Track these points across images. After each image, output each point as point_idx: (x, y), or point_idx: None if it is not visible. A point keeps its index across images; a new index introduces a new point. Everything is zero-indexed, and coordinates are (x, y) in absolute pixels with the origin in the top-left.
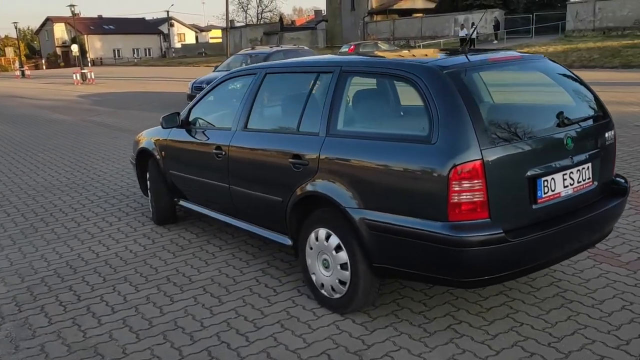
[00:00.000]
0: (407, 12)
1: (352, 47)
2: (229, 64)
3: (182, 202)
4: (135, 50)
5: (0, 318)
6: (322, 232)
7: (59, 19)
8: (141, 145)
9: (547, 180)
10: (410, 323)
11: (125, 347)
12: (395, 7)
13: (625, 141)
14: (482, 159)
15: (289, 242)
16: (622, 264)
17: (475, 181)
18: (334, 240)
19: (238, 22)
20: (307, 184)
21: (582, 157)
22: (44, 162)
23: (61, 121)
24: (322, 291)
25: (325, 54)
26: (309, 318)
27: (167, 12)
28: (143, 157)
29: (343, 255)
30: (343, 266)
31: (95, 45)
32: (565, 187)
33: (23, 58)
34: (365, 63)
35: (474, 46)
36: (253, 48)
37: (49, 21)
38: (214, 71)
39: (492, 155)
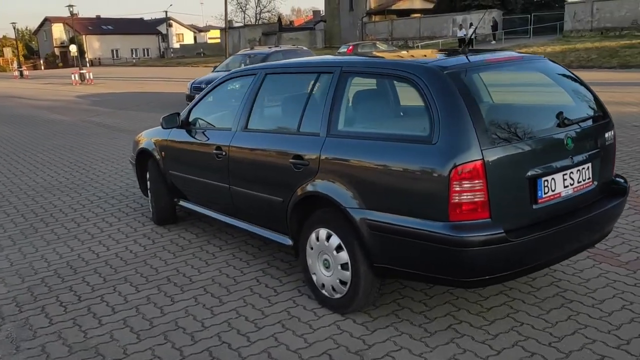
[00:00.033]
0: (405, 13)
1: (350, 47)
2: (227, 65)
3: (182, 203)
4: (134, 50)
5: (0, 319)
6: (322, 232)
7: (57, 19)
8: (141, 146)
9: (547, 181)
10: (411, 323)
11: (126, 347)
12: (393, 7)
13: (624, 141)
14: (483, 159)
15: (289, 242)
16: (621, 264)
17: (476, 181)
18: (335, 240)
19: (236, 22)
20: (307, 184)
21: (582, 157)
22: (43, 163)
23: (60, 121)
24: (323, 291)
25: (324, 55)
26: (309, 318)
27: (166, 12)
28: (143, 158)
29: (344, 256)
30: (344, 266)
31: (94, 45)
32: (565, 187)
33: (21, 58)
34: (365, 63)
35: (473, 46)
36: (252, 48)
37: (47, 21)
38: (213, 71)
39: (492, 155)
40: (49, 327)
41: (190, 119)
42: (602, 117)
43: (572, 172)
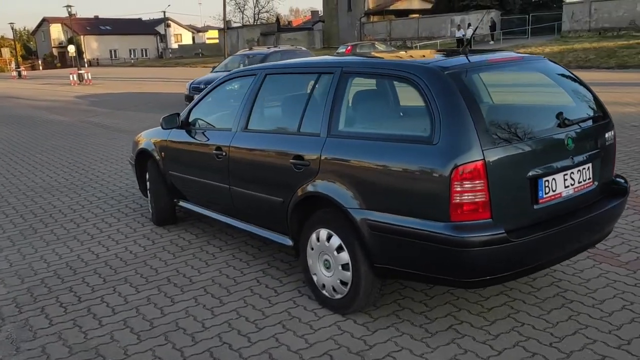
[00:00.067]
0: (403, 13)
1: (349, 47)
2: (226, 65)
3: (181, 203)
4: (132, 50)
5: (0, 319)
6: (323, 232)
7: (56, 20)
8: (140, 146)
9: (548, 181)
10: (412, 323)
11: (126, 348)
12: (391, 7)
13: (623, 141)
14: (484, 159)
15: (289, 242)
16: (621, 264)
17: (477, 181)
18: (336, 240)
19: (235, 22)
20: (308, 184)
21: (583, 157)
22: (42, 163)
23: (58, 122)
24: (324, 292)
25: (322, 55)
26: (310, 319)
27: (164, 12)
28: (142, 158)
29: (344, 256)
30: (344, 267)
31: (92, 45)
32: (566, 187)
33: (19, 59)
34: (366, 64)
35: (471, 47)
36: (250, 49)
37: (45, 22)
38: (211, 72)
39: (493, 155)
40: (49, 328)
41: (190, 120)
42: (602, 118)
43: (572, 173)
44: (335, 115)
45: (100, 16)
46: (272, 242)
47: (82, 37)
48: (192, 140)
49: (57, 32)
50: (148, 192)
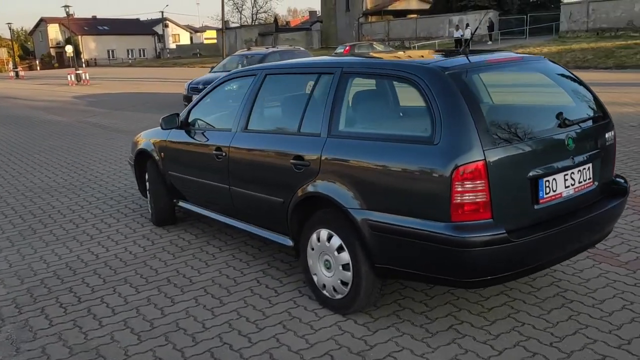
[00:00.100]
0: (401, 13)
1: (347, 48)
2: (225, 65)
3: (181, 203)
4: (130, 51)
5: (0, 320)
6: (323, 232)
7: (53, 20)
8: (140, 147)
9: (548, 181)
10: (412, 323)
11: (127, 348)
12: (389, 8)
13: (621, 141)
14: (485, 159)
15: (290, 243)
16: (621, 264)
17: (478, 182)
18: (336, 241)
19: (233, 22)
20: (308, 184)
21: (583, 157)
22: (40, 164)
23: (56, 122)
24: (324, 292)
25: (320, 55)
26: (311, 319)
27: (162, 12)
28: (142, 159)
29: (345, 256)
30: (345, 267)
31: (90, 46)
32: (566, 187)
33: (17, 59)
34: (366, 64)
35: (469, 47)
36: (249, 49)
37: (42, 22)
38: (210, 72)
39: (494, 155)
40: (49, 329)
41: (190, 120)
42: (602, 118)
43: (573, 173)
44: (335, 116)
45: (98, 16)
46: (273, 242)
47: (79, 37)
48: (191, 140)
49: (54, 32)
50: (147, 192)
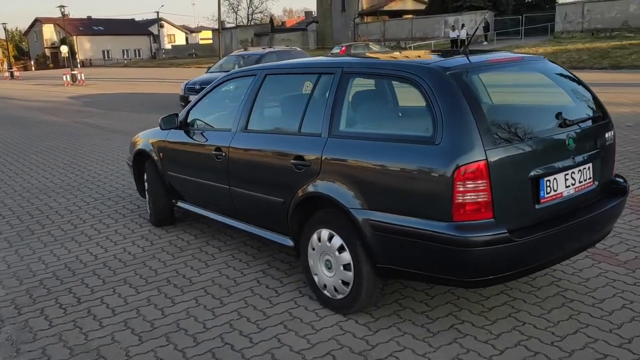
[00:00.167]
0: (397, 14)
1: (343, 48)
2: (221, 65)
3: (180, 204)
4: (125, 51)
5: (0, 321)
6: (324, 232)
7: (48, 20)
8: (138, 147)
9: (549, 181)
10: (413, 323)
11: (128, 349)
12: (385, 8)
13: (618, 141)
14: (486, 159)
15: (290, 243)
16: (620, 263)
17: (480, 181)
18: (337, 241)
19: (229, 23)
20: (309, 184)
21: (583, 157)
22: (37, 164)
23: (52, 123)
24: (325, 292)
25: (317, 56)
26: (312, 319)
27: (157, 13)
28: (140, 159)
29: (346, 256)
30: (346, 267)
31: (85, 46)
32: (567, 187)
33: (12, 59)
34: (367, 64)
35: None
36: (245, 49)
37: (37, 22)
38: (207, 72)
39: (495, 155)
40: (49, 330)
41: (189, 120)
42: (602, 118)
43: (573, 172)
44: (336, 116)
45: (93, 16)
46: (273, 242)
47: (74, 37)
48: (191, 140)
49: (49, 33)
50: (146, 192)
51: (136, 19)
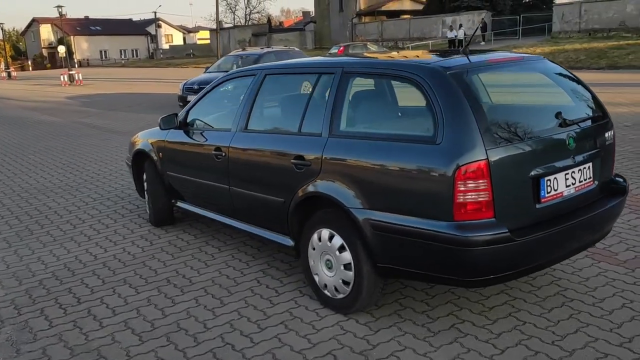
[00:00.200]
0: (395, 14)
1: (341, 48)
2: (219, 65)
3: (179, 204)
4: (123, 51)
5: (0, 321)
6: (325, 232)
7: (45, 20)
8: (137, 147)
9: (550, 180)
10: (414, 323)
11: (128, 349)
12: (383, 8)
13: (616, 141)
14: (487, 158)
15: (290, 243)
16: (620, 263)
17: (481, 181)
18: (338, 240)
19: (226, 23)
20: (309, 184)
21: (583, 156)
22: (36, 164)
23: (50, 123)
24: (325, 292)
25: (315, 56)
26: (312, 319)
27: (155, 13)
28: (139, 159)
29: (347, 256)
30: (347, 266)
31: (82, 46)
32: (567, 186)
33: (9, 59)
34: (367, 64)
35: (462, 47)
36: (243, 49)
37: (35, 22)
38: (205, 72)
39: (496, 155)
40: (49, 330)
41: (189, 120)
42: (601, 117)
43: (573, 172)
44: (336, 115)
45: (91, 16)
46: (273, 242)
47: (72, 37)
48: (190, 140)
49: (46, 33)
50: (145, 192)
51: (134, 19)
